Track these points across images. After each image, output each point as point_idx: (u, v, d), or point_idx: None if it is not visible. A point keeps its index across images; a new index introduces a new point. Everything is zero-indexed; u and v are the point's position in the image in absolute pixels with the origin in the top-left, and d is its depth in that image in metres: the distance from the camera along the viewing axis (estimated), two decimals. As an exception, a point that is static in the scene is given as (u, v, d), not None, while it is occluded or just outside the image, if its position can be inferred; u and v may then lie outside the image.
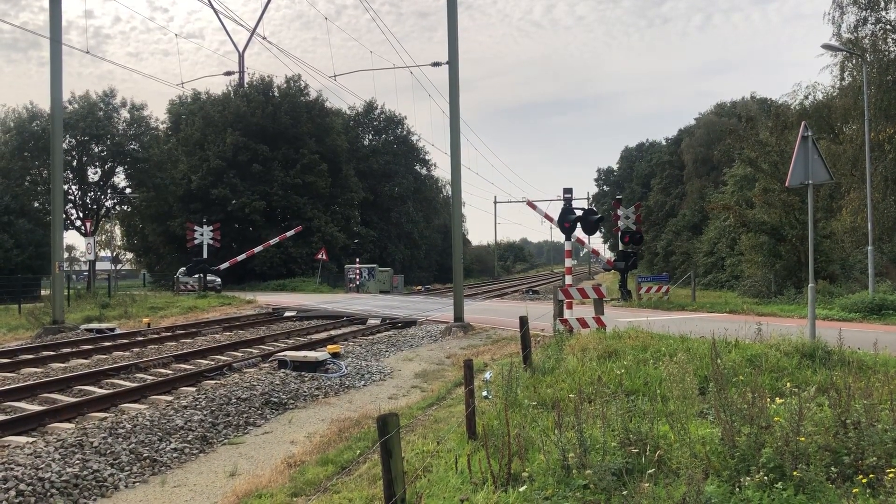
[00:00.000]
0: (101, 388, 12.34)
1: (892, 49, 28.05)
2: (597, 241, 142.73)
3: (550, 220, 45.40)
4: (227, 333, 20.81)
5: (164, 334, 19.83)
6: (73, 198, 45.88)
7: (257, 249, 44.54)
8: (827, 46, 26.50)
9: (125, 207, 52.21)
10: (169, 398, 11.14)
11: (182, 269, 38.67)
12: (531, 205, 40.31)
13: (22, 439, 8.73)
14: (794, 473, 4.86)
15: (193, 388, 11.91)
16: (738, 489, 4.86)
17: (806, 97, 35.19)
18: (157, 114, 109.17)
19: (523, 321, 11.15)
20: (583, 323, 14.94)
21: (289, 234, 45.42)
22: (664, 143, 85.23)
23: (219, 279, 39.84)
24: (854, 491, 4.72)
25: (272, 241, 44.93)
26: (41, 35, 38.44)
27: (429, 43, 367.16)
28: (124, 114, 47.54)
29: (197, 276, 37.58)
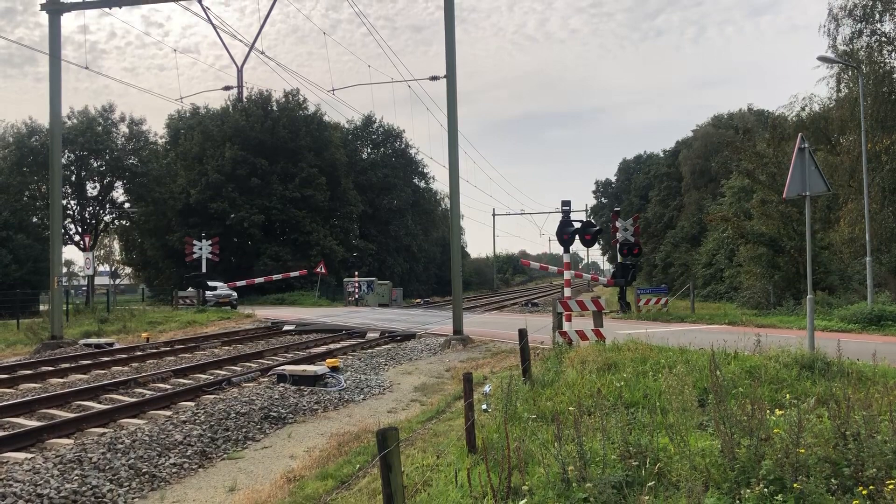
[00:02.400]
0: (99, 403, 12.32)
1: (887, 61, 28.20)
2: (595, 254, 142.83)
3: (545, 268, 46.07)
4: (226, 348, 20.78)
5: (162, 349, 19.81)
6: (71, 213, 45.99)
7: (258, 280, 44.37)
8: (823, 58, 26.61)
9: (124, 222, 52.35)
10: (168, 413, 11.12)
11: (191, 290, 38.33)
12: (525, 262, 41.55)
13: (20, 455, 8.71)
14: (795, 485, 4.85)
15: (192, 403, 11.88)
16: (738, 501, 4.85)
17: (803, 109, 35.32)
18: (155, 128, 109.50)
19: (522, 334, 11.14)
20: (582, 335, 14.93)
21: (293, 274, 45.42)
22: (662, 155, 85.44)
23: (235, 293, 39.64)
24: (854, 502, 4.71)
25: (275, 277, 44.91)
26: (39, 51, 38.59)
27: (424, 57, 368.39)
28: (123, 129, 47.80)
29: (207, 289, 37.46)
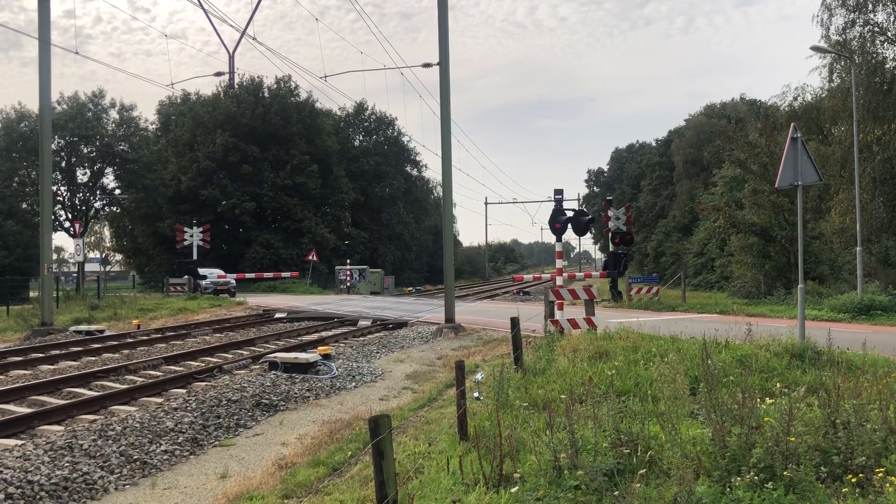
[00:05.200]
0: (90, 390, 12.28)
1: (880, 51, 28.19)
2: (587, 243, 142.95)
3: (538, 278, 46.25)
4: (218, 335, 20.73)
5: (153, 336, 19.74)
6: (61, 199, 45.69)
7: (249, 275, 44.14)
8: (816, 48, 26.63)
9: (114, 209, 52.05)
10: (159, 400, 11.09)
11: (205, 282, 37.73)
12: (518, 277, 42.83)
13: (11, 442, 8.67)
14: (785, 473, 4.88)
15: (184, 390, 11.86)
16: (728, 489, 4.87)
17: (795, 99, 35.40)
18: (144, 115, 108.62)
19: (514, 322, 11.15)
20: (574, 324, 14.96)
21: (284, 274, 45.26)
22: (654, 144, 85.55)
23: (233, 281, 39.38)
24: (843, 490, 4.74)
25: (266, 275, 44.76)
26: (26, 34, 38.26)
27: (413, 44, 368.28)
28: (113, 115, 47.44)
29: (198, 277, 37.25)
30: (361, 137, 69.73)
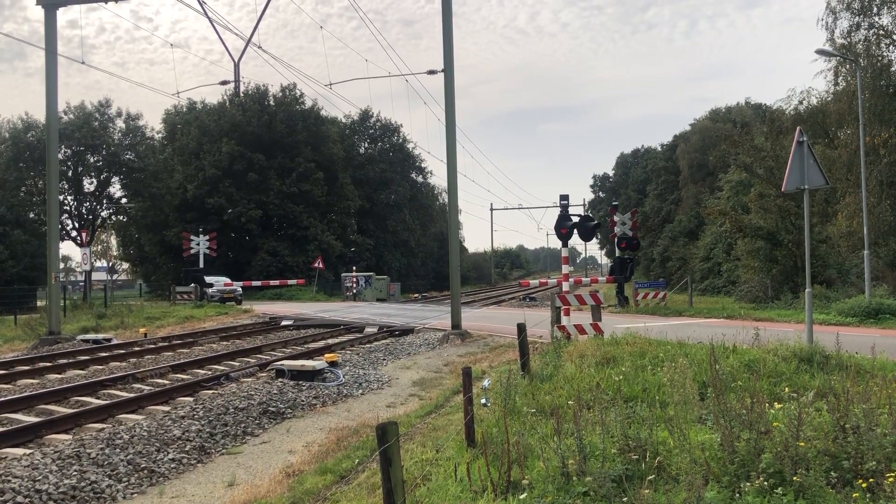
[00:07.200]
0: (98, 398, 12.30)
1: (885, 54, 28.15)
2: (593, 248, 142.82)
3: (544, 283, 45.91)
4: (224, 343, 20.75)
5: (160, 344, 19.78)
6: (68, 208, 45.92)
7: (255, 283, 44.18)
8: (821, 52, 26.60)
9: (121, 217, 52.27)
10: (166, 408, 11.10)
11: (213, 289, 37.70)
12: (524, 283, 42.20)
13: (19, 451, 8.69)
14: (794, 479, 4.85)
15: (191, 398, 11.87)
16: (738, 495, 4.85)
17: (800, 102, 35.31)
18: (150, 124, 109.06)
19: (521, 328, 11.14)
20: (580, 329, 14.93)
21: (290, 281, 45.38)
22: (659, 148, 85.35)
23: (240, 289, 39.40)
24: (854, 496, 4.71)
25: (272, 282, 44.87)
26: (35, 45, 38.53)
27: (415, 50, 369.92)
28: (119, 124, 47.74)
29: (205, 285, 37.25)
30: (367, 144, 69.79)
